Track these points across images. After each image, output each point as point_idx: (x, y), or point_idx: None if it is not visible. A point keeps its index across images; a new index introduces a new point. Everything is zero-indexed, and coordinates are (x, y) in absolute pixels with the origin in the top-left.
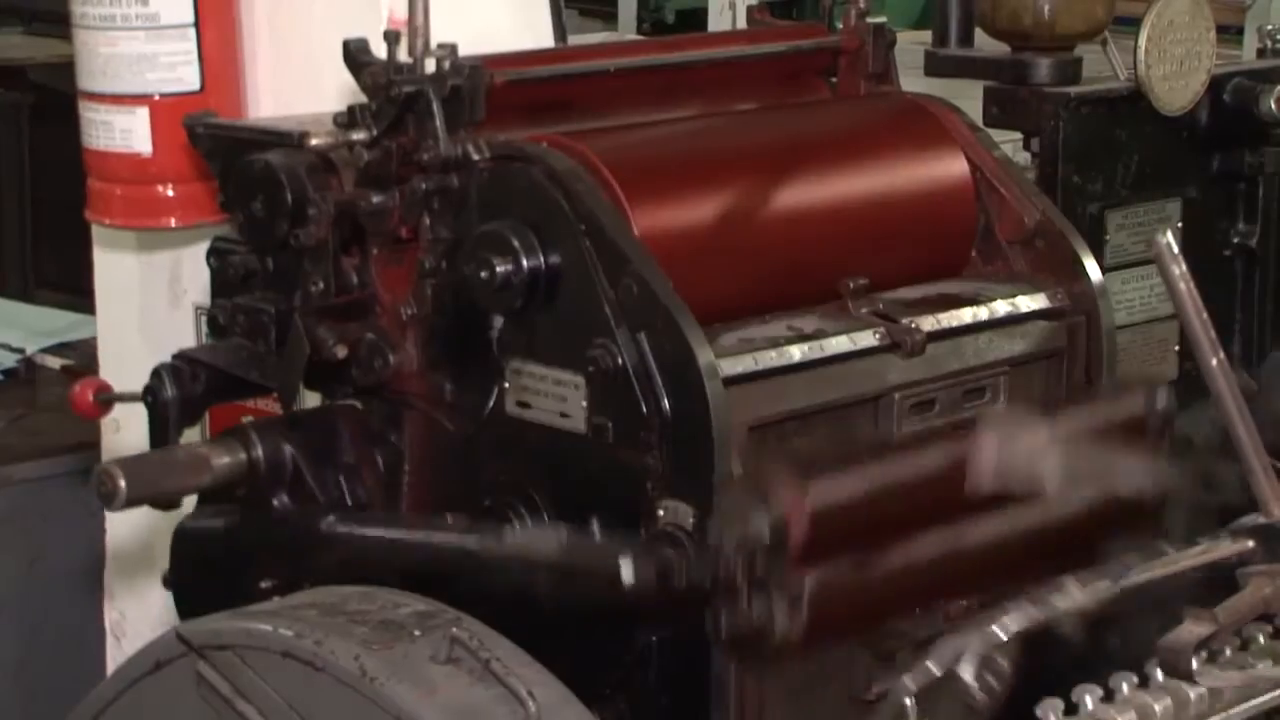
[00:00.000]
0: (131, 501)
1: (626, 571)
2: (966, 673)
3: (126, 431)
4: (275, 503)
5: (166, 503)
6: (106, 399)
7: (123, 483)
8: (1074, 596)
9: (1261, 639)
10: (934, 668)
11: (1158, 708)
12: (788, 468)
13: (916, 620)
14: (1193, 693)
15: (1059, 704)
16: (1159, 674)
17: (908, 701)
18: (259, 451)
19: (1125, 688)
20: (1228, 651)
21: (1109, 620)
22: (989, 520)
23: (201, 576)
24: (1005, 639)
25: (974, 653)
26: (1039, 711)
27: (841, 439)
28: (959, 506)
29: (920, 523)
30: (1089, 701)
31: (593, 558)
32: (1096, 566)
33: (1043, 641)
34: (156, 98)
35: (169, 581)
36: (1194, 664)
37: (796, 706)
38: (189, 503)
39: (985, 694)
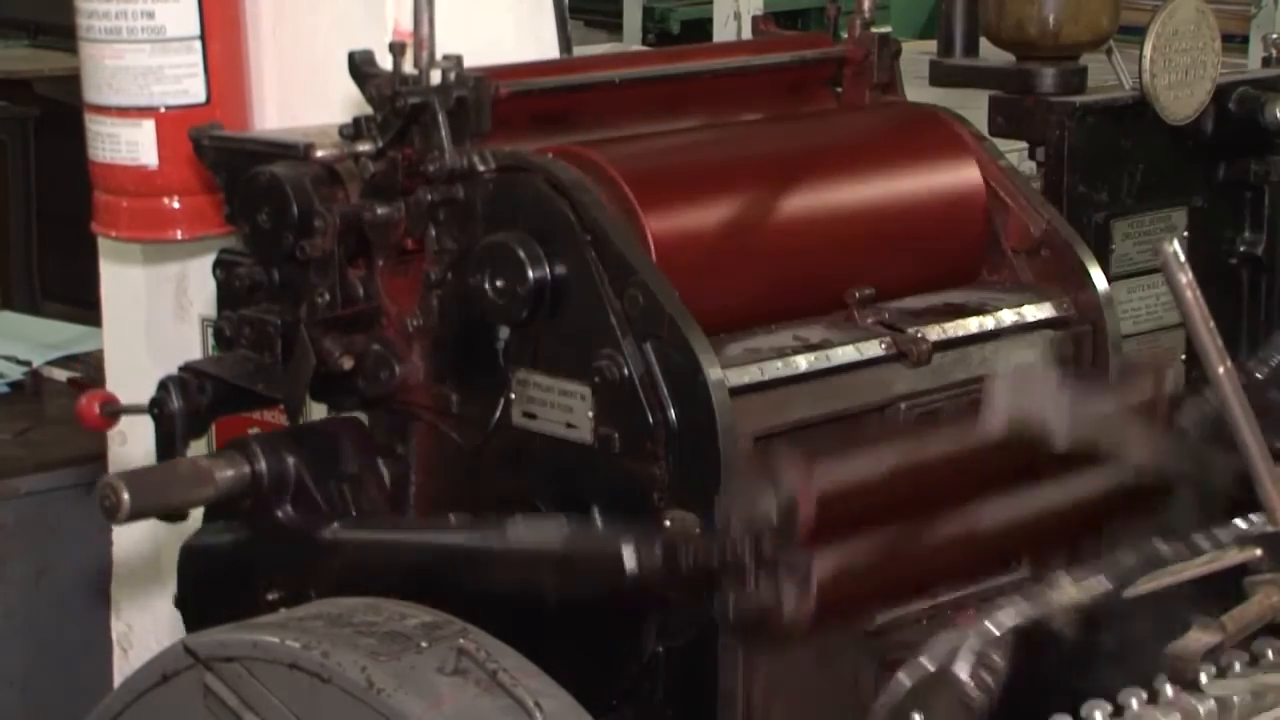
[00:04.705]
0: (135, 515)
1: (629, 558)
2: (962, 669)
3: (133, 443)
4: (280, 514)
5: (173, 515)
6: (112, 411)
7: (126, 496)
8: (1068, 592)
9: (1271, 654)
10: (928, 663)
11: None
12: (795, 449)
13: (921, 625)
14: (1202, 707)
15: None
16: (1168, 688)
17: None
18: (262, 464)
19: (1135, 703)
20: (1237, 666)
21: (1107, 618)
22: (999, 503)
23: (209, 593)
24: (999, 635)
25: (969, 649)
26: None
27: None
28: (968, 490)
29: (928, 505)
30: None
31: (595, 546)
32: (1092, 561)
33: (1040, 639)
34: (162, 110)
35: (179, 601)
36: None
37: (803, 716)
38: (196, 517)
39: (981, 691)
